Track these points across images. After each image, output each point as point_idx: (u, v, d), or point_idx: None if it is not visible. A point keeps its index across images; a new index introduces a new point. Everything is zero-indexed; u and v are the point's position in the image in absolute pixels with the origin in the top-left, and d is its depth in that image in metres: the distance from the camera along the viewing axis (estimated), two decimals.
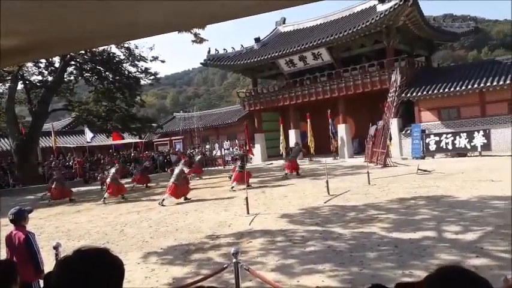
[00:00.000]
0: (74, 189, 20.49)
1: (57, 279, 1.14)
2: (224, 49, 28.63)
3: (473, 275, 1.14)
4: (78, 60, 25.09)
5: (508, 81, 18.49)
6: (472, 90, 19.50)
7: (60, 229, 9.79)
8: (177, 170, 13.06)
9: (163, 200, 12.21)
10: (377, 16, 20.60)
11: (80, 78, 26.94)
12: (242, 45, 29.11)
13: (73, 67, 26.14)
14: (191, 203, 12.02)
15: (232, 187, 14.10)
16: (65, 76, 25.89)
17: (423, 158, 19.30)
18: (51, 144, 26.89)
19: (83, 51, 23.33)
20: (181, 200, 12.38)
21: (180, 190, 12.53)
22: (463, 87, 19.67)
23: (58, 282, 1.13)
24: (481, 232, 6.18)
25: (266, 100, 27.66)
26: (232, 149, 28.72)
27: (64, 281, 1.11)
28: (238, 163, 15.16)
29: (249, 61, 26.56)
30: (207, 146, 30.07)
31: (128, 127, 26.96)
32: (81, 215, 11.94)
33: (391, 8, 19.93)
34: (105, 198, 14.04)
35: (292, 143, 26.11)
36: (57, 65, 24.87)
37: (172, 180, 12.57)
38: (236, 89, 51.54)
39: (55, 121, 34.08)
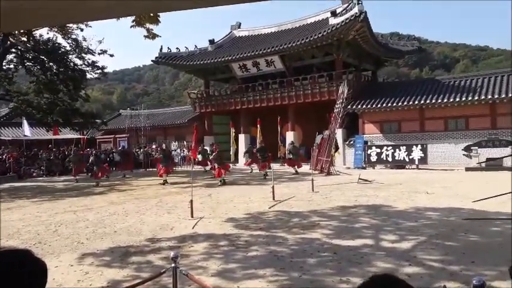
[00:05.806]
0: (6, 185, 19.28)
1: None
2: (177, 48, 28.26)
3: (405, 284, 1.16)
4: (19, 47, 23.58)
5: (445, 100, 19.75)
6: (413, 106, 20.62)
7: None
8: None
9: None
10: (329, 29, 21.25)
11: (20, 67, 25.31)
12: (196, 46, 28.87)
13: (13, 55, 24.53)
14: (132, 204, 11.63)
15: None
16: (4, 64, 24.22)
17: (364, 168, 20.07)
18: None
19: (25, 39, 21.99)
20: (124, 199, 11.98)
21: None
22: (405, 103, 20.74)
23: None
24: (415, 241, 6.48)
25: (217, 103, 27.54)
26: (180, 150, 28.22)
27: None
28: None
29: (202, 62, 26.34)
30: (154, 146, 29.34)
31: (70, 122, 25.73)
32: (12, 212, 11.16)
33: (342, 22, 20.64)
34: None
35: (241, 147, 26.14)
36: None
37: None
38: (188, 89, 50.88)
39: None
